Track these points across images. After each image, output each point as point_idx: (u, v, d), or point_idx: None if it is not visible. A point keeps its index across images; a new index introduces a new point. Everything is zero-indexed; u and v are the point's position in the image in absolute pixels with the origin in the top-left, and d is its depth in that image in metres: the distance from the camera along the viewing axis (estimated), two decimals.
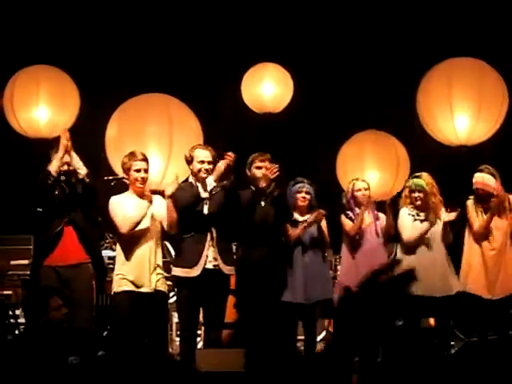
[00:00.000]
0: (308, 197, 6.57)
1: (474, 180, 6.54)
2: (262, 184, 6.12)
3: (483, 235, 6.49)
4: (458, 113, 7.79)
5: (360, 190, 6.72)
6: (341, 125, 8.96)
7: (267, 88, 8.81)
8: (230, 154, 6.02)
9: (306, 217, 6.51)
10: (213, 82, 9.20)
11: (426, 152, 8.11)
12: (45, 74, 8.18)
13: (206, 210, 6.05)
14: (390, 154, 8.19)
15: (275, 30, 9.27)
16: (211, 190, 6.06)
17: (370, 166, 8.15)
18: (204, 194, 6.04)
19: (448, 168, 7.84)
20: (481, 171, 6.54)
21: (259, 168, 6.29)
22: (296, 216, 6.50)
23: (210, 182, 6.07)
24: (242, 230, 6.21)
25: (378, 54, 9.26)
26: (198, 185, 6.10)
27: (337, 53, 9.33)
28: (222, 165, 6.01)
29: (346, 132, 8.50)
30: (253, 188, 6.24)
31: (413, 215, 6.45)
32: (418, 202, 6.46)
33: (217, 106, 9.15)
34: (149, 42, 9.24)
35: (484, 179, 6.51)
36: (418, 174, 6.63)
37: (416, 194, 6.46)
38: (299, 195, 6.55)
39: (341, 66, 9.34)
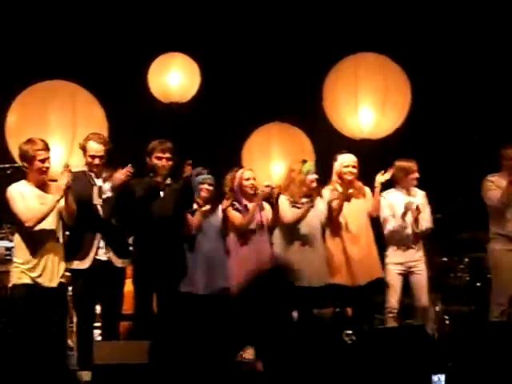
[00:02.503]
0: (211, 188, 6.59)
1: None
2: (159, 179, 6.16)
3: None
4: (362, 106, 7.88)
5: (249, 179, 6.69)
6: (247, 116, 8.98)
7: (174, 78, 8.75)
8: (129, 168, 5.99)
9: (207, 207, 6.50)
10: (119, 71, 9.08)
11: (330, 144, 8.19)
12: None
13: (100, 213, 6.03)
14: (295, 146, 8.25)
15: (183, 20, 9.23)
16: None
17: (275, 157, 8.21)
18: (97, 201, 6.01)
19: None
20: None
21: (159, 159, 6.27)
22: (195, 206, 6.48)
23: (107, 188, 6.05)
24: (139, 221, 6.16)
25: (284, 47, 9.32)
26: (91, 174, 6.10)
27: (244, 44, 9.36)
28: (120, 176, 5.98)
29: (252, 123, 8.53)
30: (151, 177, 6.26)
31: (291, 201, 6.53)
32: (314, 184, 6.56)
33: (123, 95, 9.03)
34: (53, 28, 9.05)
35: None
36: (303, 160, 6.77)
37: (314, 176, 6.54)
38: (203, 186, 6.55)
39: (248, 58, 9.37)
